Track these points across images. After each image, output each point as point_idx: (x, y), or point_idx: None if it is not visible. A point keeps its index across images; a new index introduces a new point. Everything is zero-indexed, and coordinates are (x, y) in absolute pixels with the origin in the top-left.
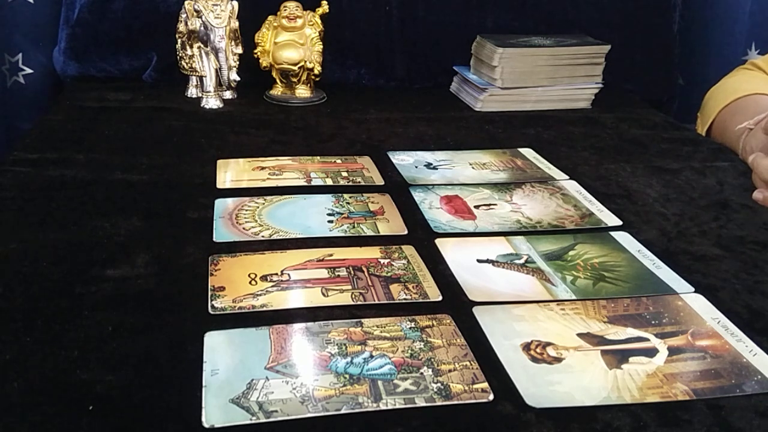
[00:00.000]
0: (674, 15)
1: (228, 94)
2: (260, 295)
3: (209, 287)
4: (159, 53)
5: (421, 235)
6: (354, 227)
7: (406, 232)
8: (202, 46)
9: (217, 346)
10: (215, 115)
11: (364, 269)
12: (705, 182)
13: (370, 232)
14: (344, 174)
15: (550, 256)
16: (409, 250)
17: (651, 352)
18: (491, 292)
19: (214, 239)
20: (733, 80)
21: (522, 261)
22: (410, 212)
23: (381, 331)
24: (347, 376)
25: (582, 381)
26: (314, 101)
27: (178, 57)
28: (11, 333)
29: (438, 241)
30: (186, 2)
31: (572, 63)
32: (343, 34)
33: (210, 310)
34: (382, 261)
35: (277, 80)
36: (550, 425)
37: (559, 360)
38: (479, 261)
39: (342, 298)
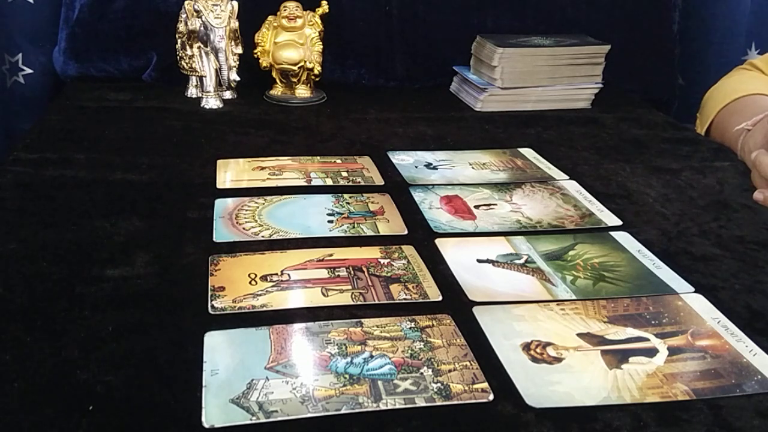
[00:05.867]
0: (674, 15)
1: (228, 94)
2: (260, 295)
3: (209, 287)
4: (159, 53)
5: (421, 235)
6: (354, 227)
7: (406, 232)
8: (202, 46)
9: (217, 346)
10: (215, 115)
11: (364, 269)
12: (705, 182)
13: (370, 232)
14: (344, 174)
15: (550, 256)
16: (409, 250)
17: (651, 352)
18: (491, 292)
19: (214, 239)
20: (731, 80)
21: (522, 261)
22: (410, 212)
23: (381, 331)
24: (347, 376)
25: (582, 381)
26: (314, 101)
27: (178, 57)
28: (11, 333)
29: (438, 241)
30: (186, 2)
31: (572, 63)
32: (343, 34)
33: (210, 310)
34: (382, 261)
35: (277, 80)
36: (550, 425)
37: (559, 360)
38: (479, 261)
39: (342, 298)
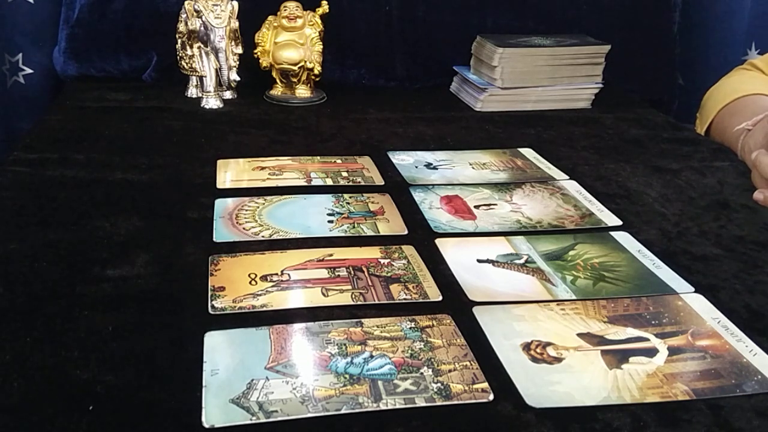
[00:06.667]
0: (674, 15)
1: (228, 94)
2: (260, 295)
3: (209, 287)
4: (159, 53)
5: (421, 235)
6: (354, 227)
7: (406, 232)
8: (202, 46)
9: (217, 346)
10: (215, 115)
11: (364, 269)
12: (705, 182)
13: (370, 232)
14: (344, 174)
15: (550, 256)
16: (409, 250)
17: (651, 352)
18: (491, 292)
19: (214, 239)
20: (731, 80)
21: (522, 261)
22: (410, 212)
23: (381, 331)
24: (347, 376)
25: (582, 381)
26: (314, 101)
27: (178, 57)
28: (11, 333)
29: (438, 241)
30: (186, 2)
31: (572, 63)
32: (343, 34)
33: (210, 310)
34: (382, 261)
35: (277, 80)
36: (550, 425)
37: (559, 360)
38: (479, 261)
39: (342, 298)
